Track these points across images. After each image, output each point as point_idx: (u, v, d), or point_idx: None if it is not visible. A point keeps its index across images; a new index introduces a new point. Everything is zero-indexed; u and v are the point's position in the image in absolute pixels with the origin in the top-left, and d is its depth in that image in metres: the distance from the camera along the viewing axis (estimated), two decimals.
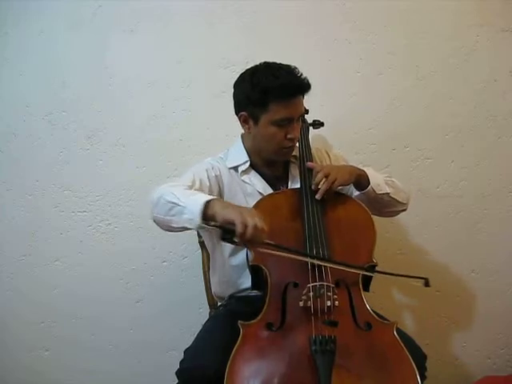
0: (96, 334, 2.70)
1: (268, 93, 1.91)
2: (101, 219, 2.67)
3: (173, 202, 1.72)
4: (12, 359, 2.70)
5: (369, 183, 2.00)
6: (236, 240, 1.62)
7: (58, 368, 2.71)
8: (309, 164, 2.03)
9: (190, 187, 1.89)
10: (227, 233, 1.63)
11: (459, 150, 2.74)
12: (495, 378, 2.70)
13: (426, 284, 1.79)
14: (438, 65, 2.71)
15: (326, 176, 1.90)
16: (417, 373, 1.57)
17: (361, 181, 2.01)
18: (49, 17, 2.62)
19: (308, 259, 1.75)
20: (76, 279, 2.67)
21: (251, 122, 2.02)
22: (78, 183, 2.65)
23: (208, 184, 2.00)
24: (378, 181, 2.04)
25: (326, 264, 1.75)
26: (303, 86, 1.96)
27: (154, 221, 1.84)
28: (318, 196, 1.90)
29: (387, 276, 1.84)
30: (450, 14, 2.70)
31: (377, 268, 1.86)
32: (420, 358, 1.80)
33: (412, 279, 1.82)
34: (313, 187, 1.93)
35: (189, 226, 1.72)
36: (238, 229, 1.58)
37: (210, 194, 1.93)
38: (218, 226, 1.64)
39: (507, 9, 2.69)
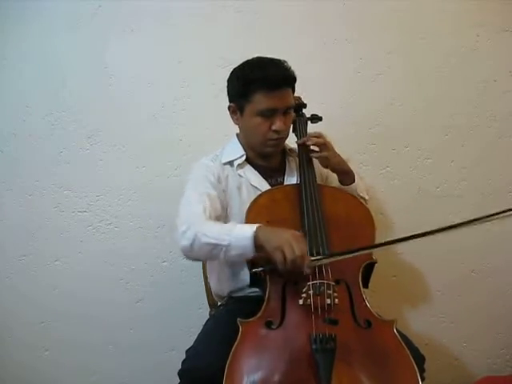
0: (96, 333, 2.70)
1: (251, 83, 1.96)
2: (101, 219, 2.67)
3: (212, 244, 1.76)
4: (12, 359, 2.70)
5: (353, 181, 2.13)
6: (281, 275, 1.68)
7: (57, 368, 2.71)
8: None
9: (204, 210, 1.89)
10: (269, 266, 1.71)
11: (459, 149, 2.74)
12: (495, 377, 2.71)
13: None
14: (438, 65, 2.71)
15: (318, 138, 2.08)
16: (417, 370, 1.57)
17: (349, 176, 2.14)
18: (49, 17, 2.62)
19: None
20: (76, 279, 2.67)
21: (238, 114, 2.06)
22: (77, 183, 2.65)
23: (215, 192, 2.01)
24: (361, 186, 2.19)
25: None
26: (286, 78, 1.99)
27: (189, 258, 1.89)
28: (309, 141, 2.08)
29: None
30: (450, 14, 2.70)
31: (376, 268, 1.88)
32: (418, 360, 1.79)
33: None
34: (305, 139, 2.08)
35: (241, 259, 1.82)
36: (279, 266, 1.65)
37: (220, 201, 2.01)
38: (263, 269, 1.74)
39: (507, 9, 2.70)
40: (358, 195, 2.14)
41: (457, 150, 2.74)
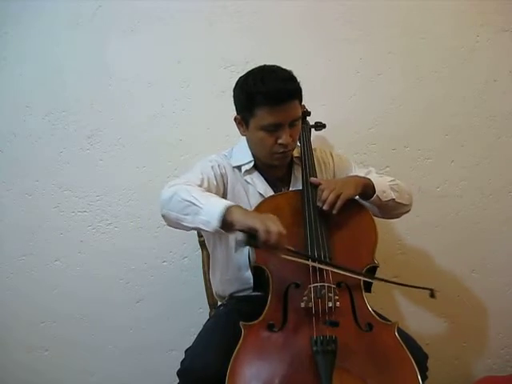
0: (96, 334, 2.70)
1: (253, 98, 1.90)
2: (101, 219, 2.67)
3: (189, 201, 1.73)
4: (12, 359, 2.70)
5: (374, 191, 1.98)
6: (259, 246, 1.64)
7: (57, 368, 2.71)
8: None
9: (200, 186, 1.89)
10: (251, 238, 1.64)
11: (459, 149, 2.74)
12: (495, 377, 2.71)
13: (432, 295, 1.78)
14: (437, 65, 2.71)
15: (332, 190, 1.88)
16: (418, 373, 1.58)
17: (367, 190, 1.99)
18: (49, 17, 2.61)
19: (323, 266, 1.76)
20: (76, 279, 2.67)
21: (244, 126, 2.02)
22: (77, 183, 2.65)
23: (215, 183, 2.00)
24: (384, 187, 2.02)
25: (342, 272, 1.76)
26: (290, 92, 1.90)
27: (164, 216, 1.85)
28: (325, 207, 1.86)
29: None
30: (450, 14, 2.69)
31: (378, 270, 1.88)
32: (421, 358, 1.81)
33: (416, 289, 1.81)
34: (319, 204, 1.90)
35: (204, 228, 1.72)
36: (262, 235, 1.59)
37: (217, 193, 1.96)
38: (242, 231, 1.65)
39: (507, 9, 2.69)
40: (383, 202, 2.01)
41: (457, 149, 2.74)
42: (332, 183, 1.94)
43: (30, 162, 2.64)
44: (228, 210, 1.67)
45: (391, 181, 2.08)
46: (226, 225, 1.67)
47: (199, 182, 1.91)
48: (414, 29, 2.70)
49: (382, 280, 1.83)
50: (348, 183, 1.97)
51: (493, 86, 2.73)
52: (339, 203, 1.87)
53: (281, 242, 1.63)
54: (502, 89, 2.73)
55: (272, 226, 1.61)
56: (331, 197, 1.86)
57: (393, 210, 2.10)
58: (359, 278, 1.81)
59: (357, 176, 2.07)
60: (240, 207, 1.73)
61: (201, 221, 1.71)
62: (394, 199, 2.03)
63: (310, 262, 1.77)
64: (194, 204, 1.72)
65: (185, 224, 1.78)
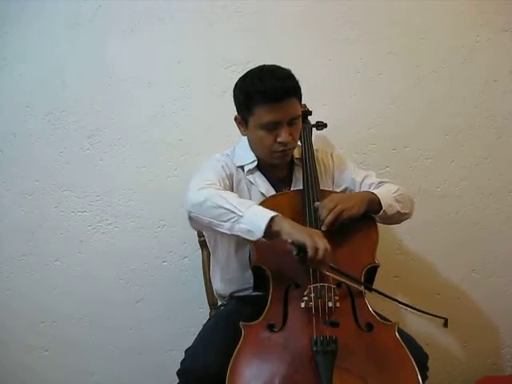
0: (96, 334, 2.70)
1: (251, 97, 1.91)
2: (101, 219, 2.66)
3: (226, 208, 1.71)
4: (12, 359, 2.70)
5: (381, 207, 1.96)
6: (306, 260, 1.65)
7: (57, 368, 2.71)
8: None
9: (219, 184, 1.90)
10: (300, 252, 1.65)
11: (459, 149, 2.74)
12: (495, 377, 2.71)
13: (445, 324, 1.82)
14: (437, 65, 2.70)
15: (332, 209, 1.85)
16: (418, 374, 1.58)
17: (373, 206, 1.96)
18: (49, 17, 2.60)
19: (362, 288, 1.79)
20: (76, 279, 2.67)
21: (244, 125, 2.02)
22: (78, 183, 2.64)
23: (228, 183, 2.00)
24: (389, 201, 1.99)
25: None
26: (287, 90, 1.90)
27: (192, 220, 1.83)
28: (323, 228, 1.83)
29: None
30: (450, 14, 2.69)
31: (379, 270, 1.89)
32: (421, 358, 1.81)
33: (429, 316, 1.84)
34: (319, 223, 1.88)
35: (243, 236, 1.71)
36: (311, 252, 1.61)
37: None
38: (293, 244, 1.65)
39: (507, 9, 2.69)
40: (389, 215, 1.99)
41: (457, 149, 2.73)
42: (335, 199, 1.90)
43: (30, 162, 2.64)
44: (273, 220, 1.67)
45: (395, 192, 2.06)
46: (270, 235, 1.67)
47: (218, 184, 1.90)
48: (414, 29, 2.69)
49: (397, 301, 1.84)
50: (352, 200, 1.92)
51: (493, 86, 2.73)
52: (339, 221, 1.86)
53: (327, 258, 1.65)
54: (501, 89, 2.73)
55: (320, 242, 1.63)
56: (329, 218, 1.83)
57: (396, 219, 2.10)
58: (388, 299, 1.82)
59: (363, 192, 2.06)
60: (284, 217, 1.71)
61: (240, 229, 1.70)
62: (399, 211, 2.03)
63: (353, 284, 1.77)
64: (233, 212, 1.70)
65: (219, 230, 1.76)
